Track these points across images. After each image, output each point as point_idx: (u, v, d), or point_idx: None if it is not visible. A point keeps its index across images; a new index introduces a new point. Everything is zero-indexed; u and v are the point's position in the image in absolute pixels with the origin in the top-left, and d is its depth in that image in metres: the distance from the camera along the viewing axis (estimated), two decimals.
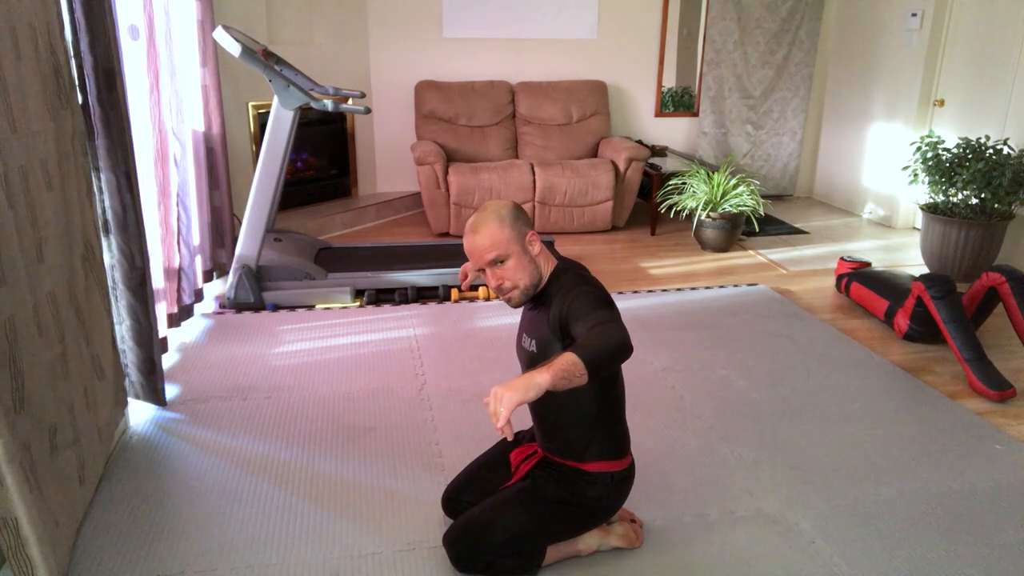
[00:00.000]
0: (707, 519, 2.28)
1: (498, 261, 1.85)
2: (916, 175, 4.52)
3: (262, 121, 4.90)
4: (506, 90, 5.68)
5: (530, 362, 1.94)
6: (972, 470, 2.54)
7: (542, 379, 1.51)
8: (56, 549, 1.91)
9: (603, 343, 1.60)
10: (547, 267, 1.93)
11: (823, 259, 4.83)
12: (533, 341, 1.93)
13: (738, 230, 4.96)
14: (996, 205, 4.23)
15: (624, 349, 1.61)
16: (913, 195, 5.21)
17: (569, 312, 1.78)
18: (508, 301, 1.92)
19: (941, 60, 5.11)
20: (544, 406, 1.95)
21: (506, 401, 1.49)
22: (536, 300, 1.94)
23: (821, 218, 5.83)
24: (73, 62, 2.35)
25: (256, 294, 3.89)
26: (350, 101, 4.92)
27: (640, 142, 5.81)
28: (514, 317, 3.72)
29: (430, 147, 5.13)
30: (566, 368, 1.53)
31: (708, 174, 4.98)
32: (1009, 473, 2.53)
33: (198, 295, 3.84)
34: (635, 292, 4.21)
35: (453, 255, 4.29)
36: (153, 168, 3.19)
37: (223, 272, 4.30)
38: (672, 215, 5.09)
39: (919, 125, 5.24)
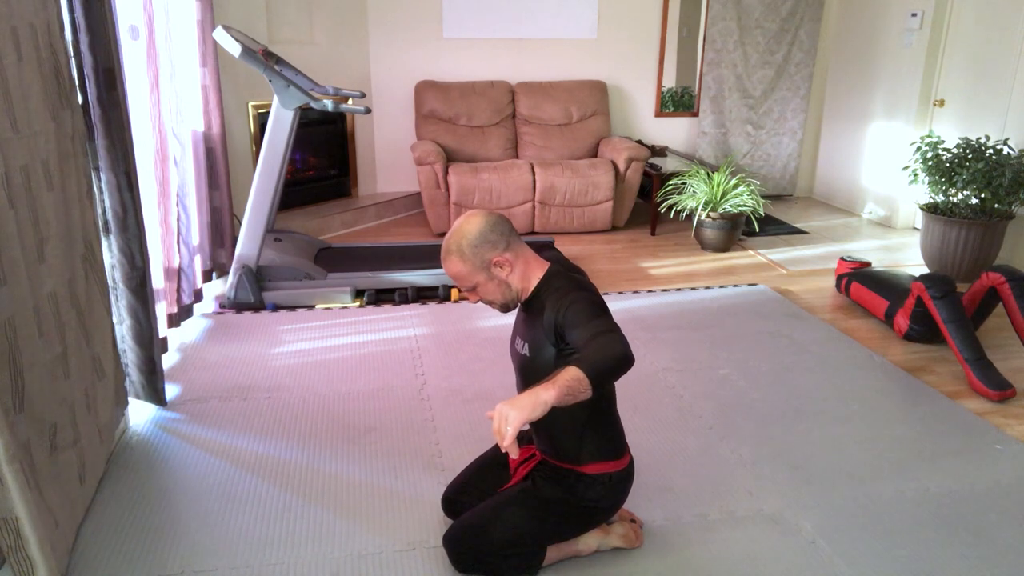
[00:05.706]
0: (707, 519, 2.28)
1: (468, 287, 1.91)
2: (916, 175, 4.52)
3: (262, 121, 4.90)
4: (506, 90, 5.68)
5: (523, 364, 1.95)
6: (972, 470, 2.54)
7: (547, 396, 1.52)
8: (56, 549, 1.91)
9: (606, 357, 1.59)
10: (534, 274, 1.91)
11: (823, 259, 4.83)
12: (526, 344, 1.93)
13: (738, 230, 4.96)
14: (996, 205, 4.23)
15: (626, 361, 1.61)
16: (913, 195, 5.21)
17: (565, 319, 1.76)
18: (499, 309, 1.96)
19: (941, 60, 5.12)
20: None
21: (511, 420, 1.50)
22: (528, 304, 1.94)
23: (821, 218, 5.83)
24: (73, 62, 2.35)
25: (256, 294, 3.89)
26: (350, 101, 4.92)
27: (640, 142, 5.81)
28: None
29: (430, 147, 5.13)
30: (570, 384, 1.54)
31: (708, 174, 4.98)
32: (1009, 473, 2.53)
33: (197, 295, 3.84)
34: (635, 292, 4.21)
35: None
36: (153, 168, 3.19)
37: (223, 272, 4.30)
38: (672, 215, 5.10)
39: (919, 125, 5.25)
